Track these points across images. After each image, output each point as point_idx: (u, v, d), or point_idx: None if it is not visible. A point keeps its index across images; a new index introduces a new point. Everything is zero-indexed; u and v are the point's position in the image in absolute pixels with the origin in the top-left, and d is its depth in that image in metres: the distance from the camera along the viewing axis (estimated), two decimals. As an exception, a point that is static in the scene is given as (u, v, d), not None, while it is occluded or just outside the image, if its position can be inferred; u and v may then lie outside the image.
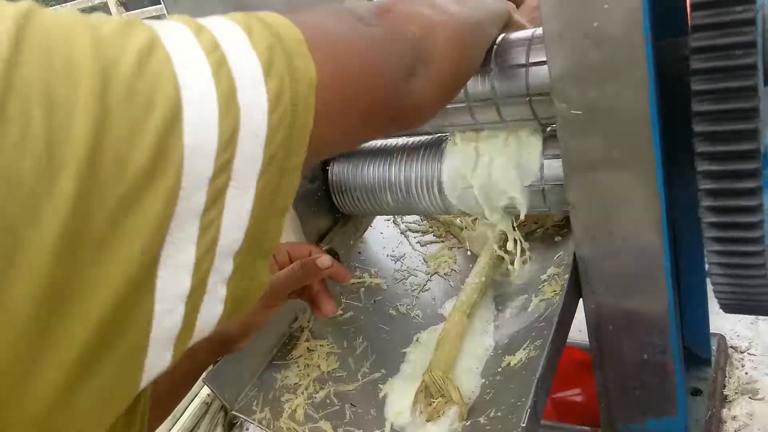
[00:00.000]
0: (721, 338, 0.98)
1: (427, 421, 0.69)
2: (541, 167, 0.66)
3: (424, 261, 0.92)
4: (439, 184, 0.72)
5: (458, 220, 0.95)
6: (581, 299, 0.68)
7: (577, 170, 0.60)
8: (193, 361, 0.63)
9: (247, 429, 1.02)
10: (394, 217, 0.96)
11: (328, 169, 0.80)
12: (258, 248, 0.32)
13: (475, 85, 0.65)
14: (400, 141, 0.77)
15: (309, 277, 0.67)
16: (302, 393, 0.70)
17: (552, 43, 0.53)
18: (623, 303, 0.65)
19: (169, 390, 0.63)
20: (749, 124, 0.46)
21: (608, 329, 0.67)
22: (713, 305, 0.99)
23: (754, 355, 0.99)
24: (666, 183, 0.58)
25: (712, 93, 0.46)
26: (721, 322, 1.05)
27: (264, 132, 0.30)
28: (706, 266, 0.57)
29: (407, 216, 0.96)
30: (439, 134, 0.75)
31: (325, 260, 0.67)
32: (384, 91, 0.41)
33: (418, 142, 0.75)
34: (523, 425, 0.52)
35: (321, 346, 0.75)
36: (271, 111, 0.30)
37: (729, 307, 0.57)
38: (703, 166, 0.48)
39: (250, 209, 0.30)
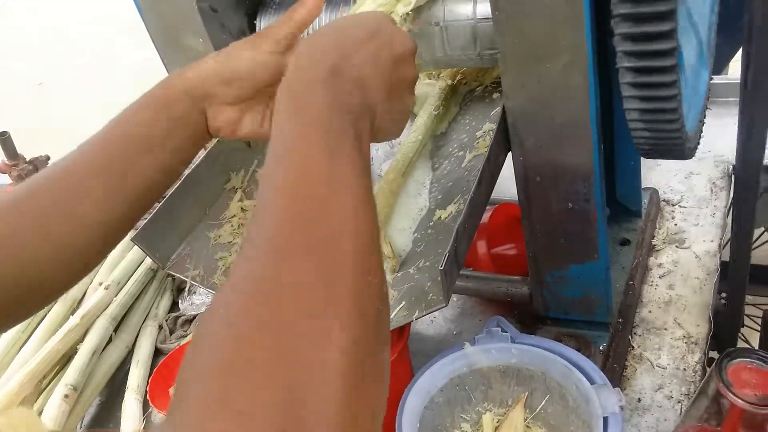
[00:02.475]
0: (654, 192, 1.02)
1: (361, 273, 0.71)
2: (474, 9, 0.63)
3: (363, 122, 0.90)
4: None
5: (398, 79, 0.92)
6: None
7: (505, 14, 0.57)
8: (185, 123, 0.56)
9: (195, 293, 1.05)
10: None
11: (255, 23, 0.76)
12: None
13: None
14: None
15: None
16: (236, 250, 0.70)
17: None
18: (550, 153, 0.65)
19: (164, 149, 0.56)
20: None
21: (536, 180, 0.68)
22: (649, 161, 1.01)
23: (685, 207, 1.03)
24: (596, 30, 0.56)
25: None
26: (657, 176, 1.08)
27: None
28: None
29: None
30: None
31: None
32: None
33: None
34: (441, 269, 0.54)
35: (254, 205, 0.74)
36: None
37: (645, 152, 0.58)
38: (618, 9, 0.46)
39: None
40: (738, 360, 0.68)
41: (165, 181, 0.58)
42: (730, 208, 1.00)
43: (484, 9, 0.63)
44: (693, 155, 0.60)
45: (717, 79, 1.19)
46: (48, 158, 1.45)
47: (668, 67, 0.47)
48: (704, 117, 0.67)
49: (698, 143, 0.63)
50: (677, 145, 0.54)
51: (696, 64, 0.62)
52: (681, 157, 0.58)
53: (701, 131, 0.65)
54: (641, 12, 0.46)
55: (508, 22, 0.58)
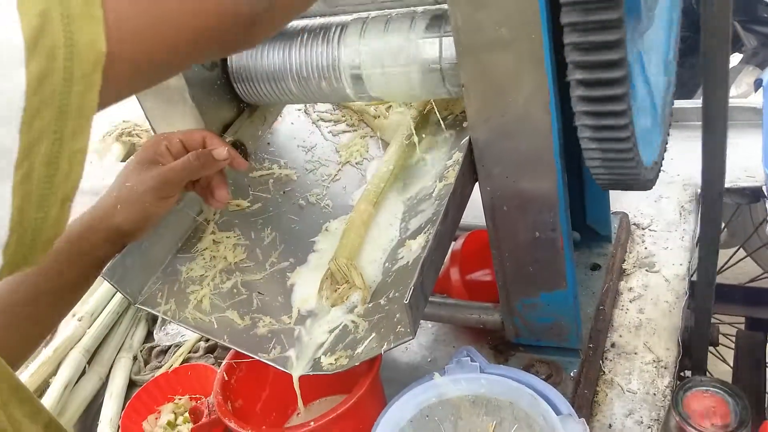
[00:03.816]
0: (624, 216, 1.03)
1: (332, 306, 0.71)
2: (440, 46, 0.65)
3: (336, 151, 0.91)
4: (339, 66, 0.70)
5: (372, 109, 0.93)
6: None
7: (468, 51, 0.59)
8: (92, 258, 0.63)
9: (170, 323, 1.04)
10: (305, 107, 0.93)
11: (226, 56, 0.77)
12: (34, 240, 0.30)
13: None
14: (300, 23, 0.74)
15: (205, 168, 0.66)
16: (208, 284, 0.70)
17: None
18: (516, 183, 0.67)
19: (71, 287, 0.63)
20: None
21: (503, 210, 0.69)
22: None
23: (655, 231, 1.05)
24: (556, 63, 0.58)
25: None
26: (627, 200, 1.10)
27: (18, 117, 0.27)
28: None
29: (319, 105, 0.94)
30: (335, 15, 0.72)
31: (221, 152, 0.66)
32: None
33: (318, 24, 0.72)
34: (406, 302, 0.54)
35: (227, 237, 0.75)
36: (31, 94, 0.27)
37: (604, 185, 0.59)
38: (570, 38, 0.48)
39: (10, 201, 0.28)
40: (695, 389, 0.69)
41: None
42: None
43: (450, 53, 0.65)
44: (652, 186, 0.62)
45: (685, 104, 1.22)
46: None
47: (620, 112, 0.48)
48: (665, 149, 0.68)
49: (658, 174, 0.64)
50: (634, 178, 0.56)
51: (655, 98, 0.64)
52: (640, 189, 0.60)
53: (662, 162, 0.67)
54: (592, 60, 0.48)
55: (470, 58, 0.59)
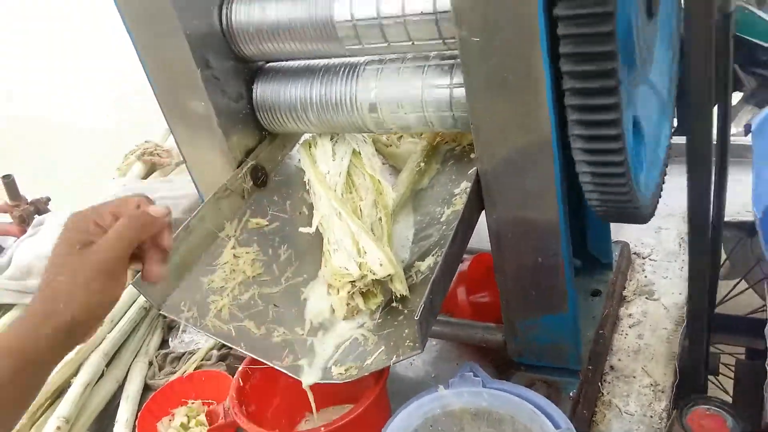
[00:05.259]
0: (625, 245, 1.07)
1: (344, 319, 0.75)
2: (450, 91, 0.70)
3: (352, 174, 0.96)
4: (357, 102, 0.76)
5: (384, 138, 0.99)
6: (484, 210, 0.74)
7: (478, 94, 0.64)
8: (38, 366, 0.55)
9: (184, 331, 1.09)
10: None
11: (252, 88, 0.83)
12: None
13: (388, 4, 0.68)
14: (321, 62, 0.80)
15: (143, 230, 0.58)
16: (228, 295, 0.75)
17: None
18: (520, 213, 0.71)
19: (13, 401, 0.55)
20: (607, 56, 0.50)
21: (507, 237, 0.74)
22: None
23: (655, 260, 1.09)
24: (557, 106, 0.62)
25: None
26: (629, 230, 1.14)
27: None
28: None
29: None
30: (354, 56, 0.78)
31: (158, 209, 0.59)
32: None
33: (338, 63, 0.78)
34: (416, 318, 0.59)
35: (247, 253, 0.80)
36: None
37: (602, 217, 0.64)
38: (568, 84, 0.53)
39: None
40: (697, 407, 0.73)
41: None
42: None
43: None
44: (649, 219, 0.66)
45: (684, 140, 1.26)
46: (48, 200, 1.52)
47: (616, 149, 0.53)
48: (663, 182, 0.73)
49: (656, 207, 0.68)
50: (631, 211, 0.60)
51: (653, 135, 0.69)
52: (637, 222, 0.64)
53: (660, 195, 0.71)
54: (590, 104, 0.53)
55: (479, 101, 0.64)
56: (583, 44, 0.52)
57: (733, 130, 1.84)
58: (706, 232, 0.68)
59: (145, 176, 1.54)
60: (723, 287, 1.33)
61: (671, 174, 0.83)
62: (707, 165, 0.63)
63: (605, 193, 0.59)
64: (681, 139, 1.24)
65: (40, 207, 1.47)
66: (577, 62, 0.52)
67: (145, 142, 1.60)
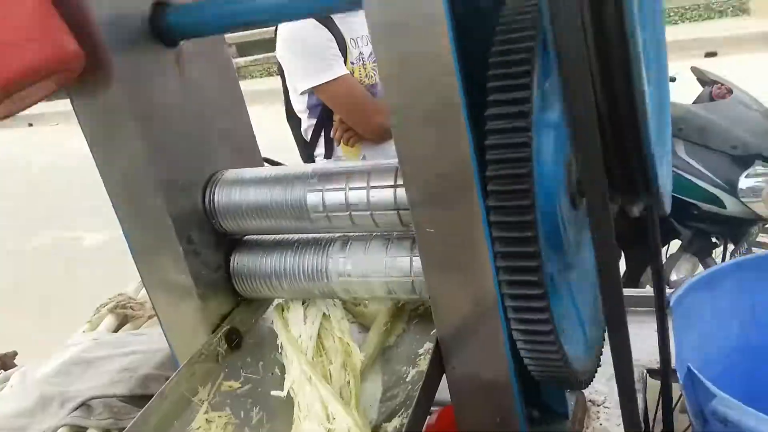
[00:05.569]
0: (580, 394, 1.13)
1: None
2: (411, 265, 0.80)
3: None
4: (327, 272, 0.85)
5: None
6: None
7: (432, 272, 0.74)
8: None
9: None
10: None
11: (230, 260, 0.91)
12: None
13: (357, 198, 0.79)
14: (295, 236, 0.89)
15: None
16: (201, 463, 0.78)
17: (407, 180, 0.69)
18: (477, 375, 0.78)
19: None
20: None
21: (466, 396, 0.80)
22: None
23: (608, 408, 1.14)
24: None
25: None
26: (583, 378, 1.21)
27: None
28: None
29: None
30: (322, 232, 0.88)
31: None
32: None
33: (311, 237, 0.88)
34: (383, 485, 0.63)
35: (219, 417, 0.83)
36: None
37: (540, 377, 0.71)
38: (497, 248, 0.63)
39: None
40: None
41: None
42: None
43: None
44: (587, 386, 0.74)
45: (633, 292, 1.38)
46: (15, 354, 1.51)
47: (546, 332, 0.62)
48: (601, 352, 0.81)
49: (594, 374, 0.76)
50: (568, 379, 0.68)
51: (589, 315, 0.78)
52: (574, 388, 0.71)
53: (599, 362, 0.80)
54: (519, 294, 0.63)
55: (434, 276, 0.73)
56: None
57: (674, 276, 2.03)
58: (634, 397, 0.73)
59: (116, 329, 1.56)
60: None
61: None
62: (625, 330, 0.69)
63: (542, 369, 0.67)
64: (629, 292, 1.36)
65: (7, 362, 1.47)
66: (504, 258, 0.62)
67: (118, 294, 1.64)
